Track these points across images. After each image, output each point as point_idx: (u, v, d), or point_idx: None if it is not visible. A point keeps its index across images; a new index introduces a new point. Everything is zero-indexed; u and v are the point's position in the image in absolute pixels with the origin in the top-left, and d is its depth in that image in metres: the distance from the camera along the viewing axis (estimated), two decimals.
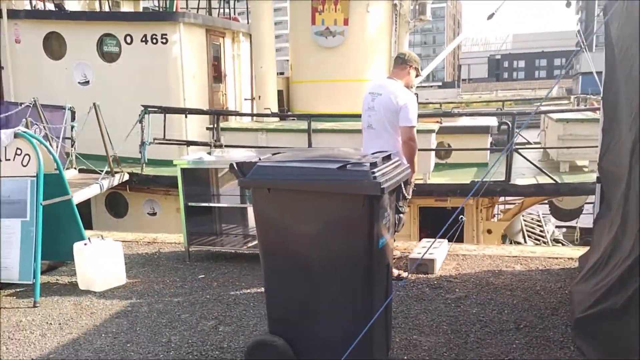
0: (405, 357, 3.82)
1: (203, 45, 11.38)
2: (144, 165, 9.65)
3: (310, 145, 8.75)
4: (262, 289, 5.36)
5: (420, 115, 5.46)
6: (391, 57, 12.12)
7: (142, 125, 9.36)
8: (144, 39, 10.48)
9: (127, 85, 10.67)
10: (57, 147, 9.06)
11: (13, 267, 5.37)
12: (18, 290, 5.59)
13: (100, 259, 5.53)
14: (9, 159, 5.43)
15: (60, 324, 4.75)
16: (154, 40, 10.44)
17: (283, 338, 3.41)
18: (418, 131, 5.34)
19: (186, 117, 9.89)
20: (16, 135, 5.41)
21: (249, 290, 5.38)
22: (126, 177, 9.67)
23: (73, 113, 9.56)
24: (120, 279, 5.70)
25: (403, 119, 5.03)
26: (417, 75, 5.46)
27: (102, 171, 9.07)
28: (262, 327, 4.47)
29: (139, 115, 9.33)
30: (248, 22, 13.13)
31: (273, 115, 10.69)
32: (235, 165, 3.34)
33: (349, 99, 11.18)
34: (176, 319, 4.73)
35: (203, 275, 5.90)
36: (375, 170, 2.97)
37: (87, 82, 10.99)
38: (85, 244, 5.54)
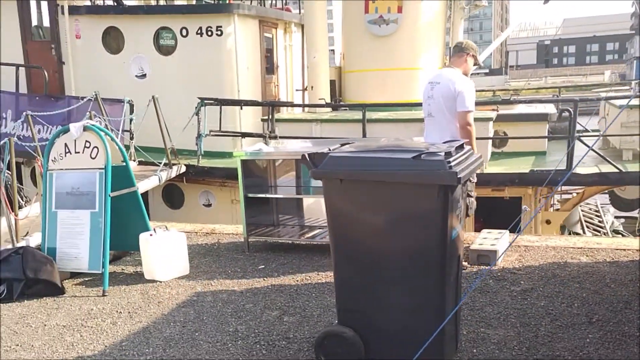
0: (475, 351, 3.77)
1: (256, 37, 11.44)
2: (200, 157, 9.78)
3: (364, 135, 8.71)
4: (322, 280, 5.42)
5: (476, 103, 5.47)
6: (445, 45, 11.96)
7: (199, 118, 9.49)
8: (199, 32, 10.59)
9: (183, 78, 10.81)
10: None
11: (83, 257, 5.54)
12: (86, 279, 5.78)
13: (165, 249, 5.65)
14: (78, 152, 5.59)
15: (129, 312, 4.89)
16: (209, 33, 10.54)
17: (352, 329, 3.41)
18: (475, 119, 5.39)
19: (241, 108, 9.97)
20: (85, 128, 5.56)
21: (309, 281, 5.42)
22: (183, 169, 9.83)
23: (131, 106, 9.76)
24: (184, 268, 5.82)
25: (460, 104, 5.15)
26: (475, 63, 5.51)
27: (160, 163, 9.24)
28: (326, 318, 4.50)
29: (196, 107, 9.46)
30: (299, 12, 13.15)
31: (327, 105, 10.66)
32: (307, 156, 3.34)
33: (402, 88, 11.09)
34: (241, 309, 4.80)
35: (263, 266, 5.96)
36: (450, 159, 2.95)
37: (144, 76, 11.18)
38: (150, 235, 5.67)
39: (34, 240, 6.71)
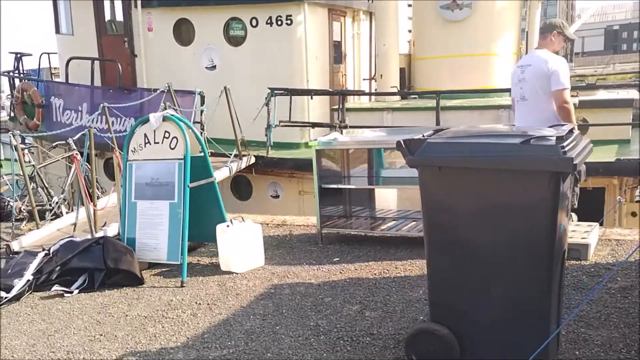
0: (577, 352, 3.52)
1: (325, 25, 11.28)
2: (270, 148, 9.72)
3: (438, 123, 8.43)
4: (401, 274, 5.24)
5: None
6: (520, 30, 11.49)
7: (268, 108, 9.44)
8: (269, 21, 10.52)
9: (252, 68, 10.79)
10: None
11: (161, 247, 5.56)
12: (164, 270, 5.80)
13: (241, 241, 5.61)
14: (158, 142, 5.60)
15: (208, 304, 4.86)
16: (279, 22, 10.44)
17: (446, 327, 3.23)
18: None
19: (311, 98, 9.86)
20: (164, 119, 5.56)
21: (387, 275, 5.26)
22: (253, 160, 9.82)
23: (202, 97, 9.79)
24: (259, 260, 5.77)
25: (554, 82, 4.98)
26: (565, 39, 5.28)
27: (230, 154, 9.25)
28: (410, 313, 4.33)
29: (266, 98, 9.41)
30: (368, 0, 12.90)
31: (399, 93, 10.38)
32: (402, 142, 3.17)
33: (476, 74, 10.73)
34: (320, 302, 4.69)
35: (338, 258, 5.85)
36: (563, 144, 2.71)
37: (213, 67, 11.23)
38: (227, 226, 5.63)
39: (111, 230, 6.84)
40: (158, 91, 9.19)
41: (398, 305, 4.53)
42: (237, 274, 5.56)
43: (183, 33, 11.50)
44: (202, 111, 9.77)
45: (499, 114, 8.40)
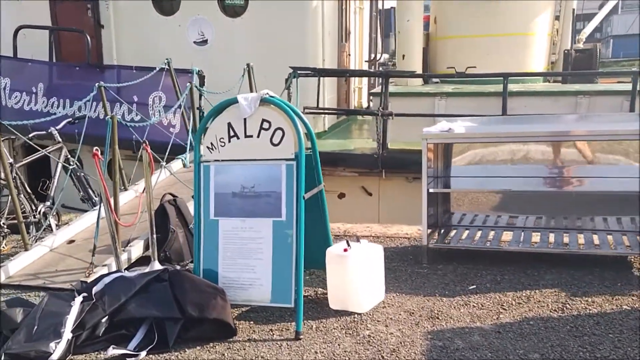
0: None
1: None
2: None
3: (505, 111, 7.17)
4: (592, 310, 3.94)
5: None
6: (555, 8, 10.44)
7: (289, 92, 7.83)
8: None
9: (254, 45, 9.09)
10: (189, 118, 7.63)
11: (262, 284, 3.93)
12: (244, 310, 4.16)
13: (364, 270, 4.09)
14: (251, 135, 3.94)
15: None
16: None
17: None
18: None
19: (346, 80, 8.30)
20: (262, 102, 3.91)
21: (574, 312, 4.01)
22: None
23: (202, 77, 8.00)
24: (380, 294, 4.30)
25: None
26: None
27: None
28: None
29: (287, 79, 7.79)
30: None
31: (455, 75, 8.82)
32: None
33: (510, 56, 9.55)
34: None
35: (474, 286, 4.52)
36: None
37: (204, 42, 9.43)
38: (345, 250, 4.07)
39: (136, 251, 5.13)
40: (157, 69, 7.31)
41: None
42: (359, 314, 4.05)
43: (164, 0, 9.57)
44: (201, 95, 7.96)
45: (577, 100, 7.29)
